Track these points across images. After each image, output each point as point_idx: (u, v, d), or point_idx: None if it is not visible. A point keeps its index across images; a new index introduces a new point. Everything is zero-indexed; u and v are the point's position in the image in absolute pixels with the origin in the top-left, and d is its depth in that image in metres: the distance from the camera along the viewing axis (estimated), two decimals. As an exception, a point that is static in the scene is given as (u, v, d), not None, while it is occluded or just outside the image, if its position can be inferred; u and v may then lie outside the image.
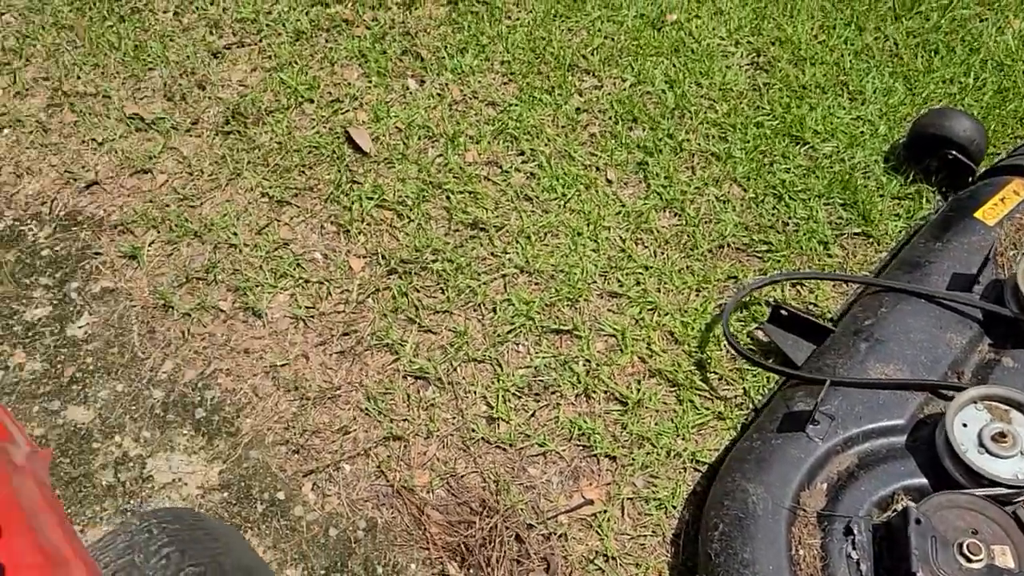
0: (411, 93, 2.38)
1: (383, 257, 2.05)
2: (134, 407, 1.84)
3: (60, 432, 1.81)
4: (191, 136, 2.30)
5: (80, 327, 1.96)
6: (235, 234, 2.09)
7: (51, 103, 2.37)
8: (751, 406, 1.83)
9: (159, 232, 2.11)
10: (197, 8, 2.60)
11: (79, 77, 2.42)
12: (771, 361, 1.85)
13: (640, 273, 2.02)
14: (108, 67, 2.44)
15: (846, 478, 1.54)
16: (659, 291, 2.00)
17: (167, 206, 2.15)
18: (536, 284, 2.01)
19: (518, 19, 2.56)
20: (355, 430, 1.81)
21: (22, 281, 2.03)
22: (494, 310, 1.96)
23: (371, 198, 2.15)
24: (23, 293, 2.01)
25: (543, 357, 1.89)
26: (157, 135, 2.29)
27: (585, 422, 1.80)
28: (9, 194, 2.19)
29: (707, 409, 1.83)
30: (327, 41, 2.52)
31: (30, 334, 1.95)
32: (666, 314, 1.96)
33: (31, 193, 2.20)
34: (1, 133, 2.31)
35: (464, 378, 1.87)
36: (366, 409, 1.83)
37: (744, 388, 1.86)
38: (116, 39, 2.50)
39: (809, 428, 1.56)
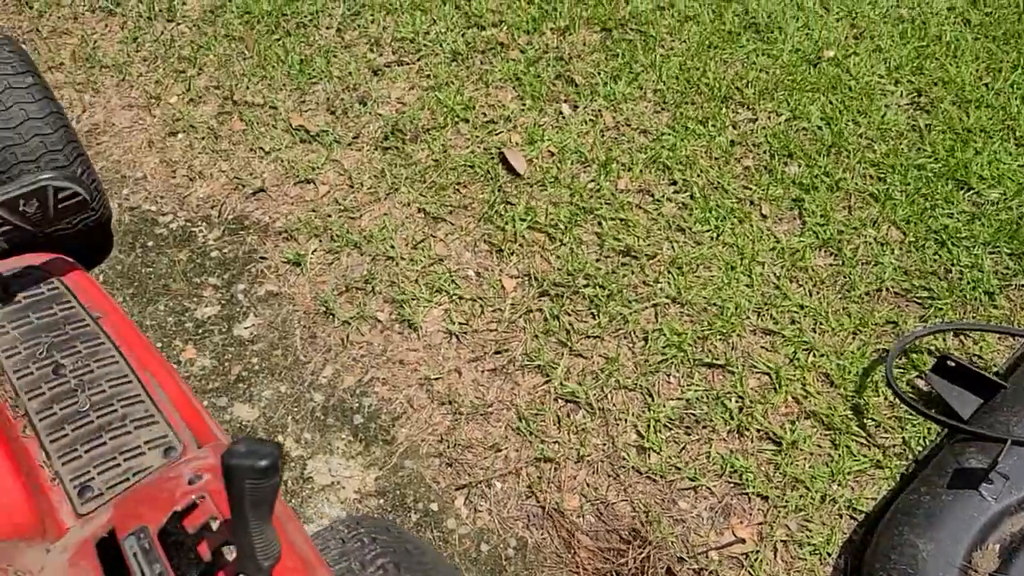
0: (564, 118, 2.44)
1: (535, 279, 2.11)
2: (296, 408, 1.95)
3: (227, 428, 1.92)
4: (352, 150, 2.41)
5: (246, 328, 2.08)
6: (392, 247, 2.18)
7: (221, 111, 2.53)
8: (911, 457, 1.81)
9: (321, 241, 2.22)
10: (359, 26, 2.73)
11: (248, 87, 2.57)
12: (933, 412, 1.82)
13: (795, 312, 2.02)
14: (275, 79, 2.59)
15: (1020, 541, 1.51)
16: (815, 331, 1.99)
17: (328, 216, 2.26)
18: (688, 316, 2.03)
19: (672, 48, 2.60)
20: (506, 448, 1.86)
21: (193, 280, 2.17)
22: (645, 339, 1.99)
23: (524, 219, 2.21)
24: (194, 292, 2.15)
25: (695, 390, 1.91)
26: (320, 147, 2.42)
27: (737, 459, 1.81)
28: (182, 196, 2.35)
29: (864, 456, 1.81)
30: (482, 63, 2.61)
31: (200, 331, 2.08)
32: (822, 355, 1.95)
33: (202, 196, 2.34)
34: (176, 137, 2.47)
35: (615, 405, 1.90)
36: (518, 428, 1.88)
37: (903, 437, 1.83)
38: (283, 52, 2.65)
39: (983, 487, 1.54)
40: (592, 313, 2.05)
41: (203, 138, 2.46)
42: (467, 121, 2.45)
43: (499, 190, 2.29)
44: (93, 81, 2.61)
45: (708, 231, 2.17)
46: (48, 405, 1.40)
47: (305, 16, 2.76)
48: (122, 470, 1.34)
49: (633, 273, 2.10)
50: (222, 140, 2.46)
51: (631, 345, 1.99)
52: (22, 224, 1.41)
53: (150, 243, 2.25)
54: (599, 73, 2.53)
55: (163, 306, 2.11)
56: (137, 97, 2.58)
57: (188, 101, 2.56)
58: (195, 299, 2.13)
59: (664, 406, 1.89)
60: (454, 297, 2.09)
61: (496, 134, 2.41)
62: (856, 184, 2.27)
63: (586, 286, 2.09)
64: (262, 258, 2.21)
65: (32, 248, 1.59)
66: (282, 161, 2.39)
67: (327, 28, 2.74)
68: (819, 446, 1.84)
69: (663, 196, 2.25)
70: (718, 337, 1.99)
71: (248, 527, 0.82)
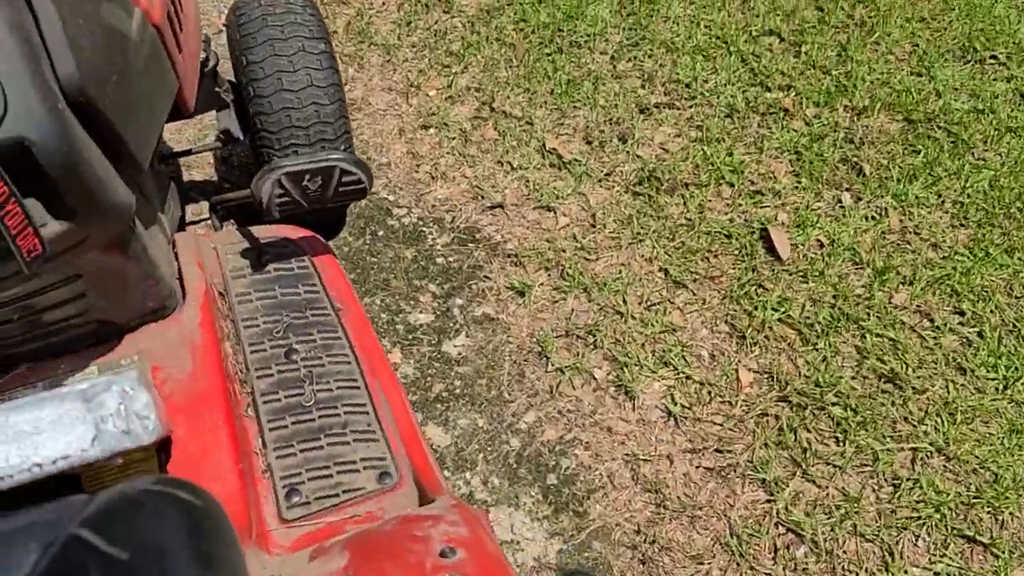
0: (843, 207, 2.23)
1: (776, 380, 1.91)
2: (489, 448, 1.84)
3: (416, 447, 1.84)
4: (601, 187, 2.30)
5: (456, 346, 2.00)
6: (624, 302, 2.05)
7: (477, 115, 2.49)
8: None
9: (550, 275, 2.12)
10: (634, 58, 2.63)
11: (508, 97, 2.52)
12: None
13: (1087, 505, 1.72)
14: (537, 94, 2.53)
15: None
16: (1109, 537, 1.69)
17: (563, 251, 2.16)
18: (953, 474, 1.77)
19: (984, 159, 2.34)
20: (710, 564, 1.68)
21: (413, 282, 2.12)
22: (896, 486, 1.75)
23: (776, 309, 2.02)
24: (412, 294, 2.10)
25: (947, 565, 1.65)
26: (569, 176, 2.33)
27: (985, 664, 1.55)
28: (421, 192, 2.31)
29: None
30: (760, 126, 2.44)
31: (410, 337, 2.02)
32: (1114, 569, 1.65)
33: (440, 197, 2.30)
34: (427, 131, 2.45)
35: (846, 553, 1.68)
36: (727, 545, 1.69)
37: None
38: (551, 69, 2.59)
39: None
40: (837, 438, 1.83)
41: (454, 138, 2.42)
42: (732, 185, 2.29)
43: (754, 270, 2.11)
44: (360, 56, 2.65)
45: (995, 380, 1.90)
46: (274, 389, 1.35)
47: (581, 36, 2.69)
48: (333, 483, 1.26)
49: (894, 405, 1.87)
50: (472, 145, 2.41)
51: (877, 488, 1.76)
52: (299, 198, 1.37)
53: (380, 232, 2.22)
54: (892, 167, 2.31)
55: (379, 301, 2.07)
56: (398, 82, 2.59)
57: (447, 98, 2.54)
58: (412, 302, 2.08)
59: (907, 572, 1.64)
60: (681, 375, 1.93)
61: (762, 207, 2.24)
62: None
63: (835, 404, 1.87)
64: (486, 277, 2.13)
65: (290, 221, 1.56)
66: (527, 181, 2.32)
67: (601, 53, 2.66)
68: None
69: (945, 325, 1.99)
70: (986, 509, 1.72)
71: None
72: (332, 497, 1.24)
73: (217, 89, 1.91)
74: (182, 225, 1.71)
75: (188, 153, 2.02)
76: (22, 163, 0.83)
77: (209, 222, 2.23)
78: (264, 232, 1.57)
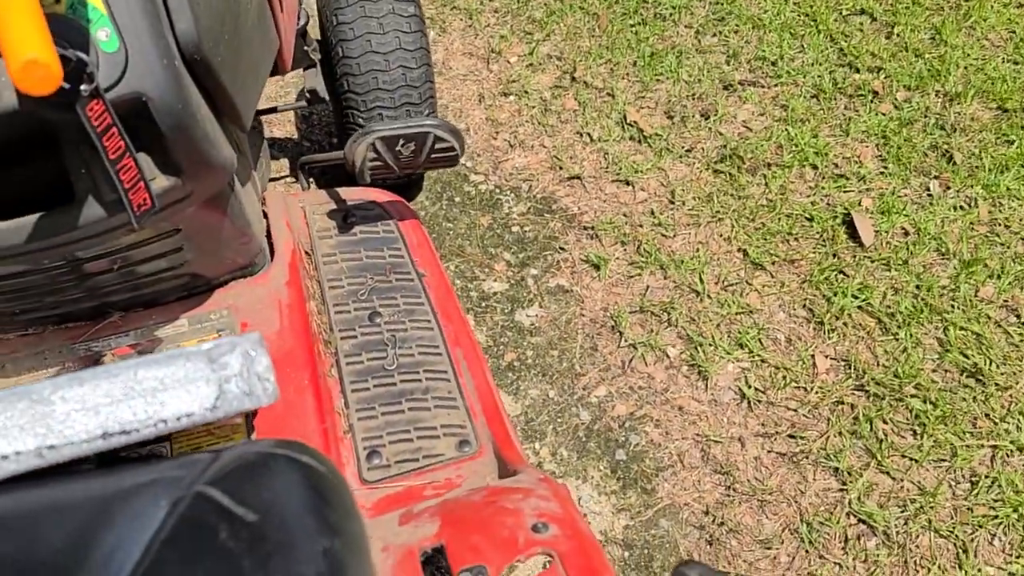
0: (930, 196, 2.14)
1: (854, 368, 1.85)
2: (559, 420, 1.82)
3: (487, 414, 1.83)
4: (682, 163, 2.24)
5: (528, 316, 1.98)
6: (701, 281, 2.00)
7: (558, 84, 2.44)
8: None
9: (626, 250, 2.08)
10: (719, 33, 2.54)
11: (590, 67, 2.46)
12: None
13: None
14: (620, 66, 2.46)
15: None
16: None
17: (640, 227, 2.11)
18: (1035, 475, 1.70)
19: (1083, 152, 2.22)
20: (777, 549, 1.64)
21: (489, 250, 2.10)
22: (974, 483, 1.69)
23: (856, 297, 1.95)
24: (487, 262, 2.07)
25: (1023, 566, 1.59)
26: (649, 150, 2.27)
27: (1060, 671, 1.49)
28: (498, 160, 2.28)
29: None
30: (847, 108, 2.35)
31: (483, 305, 2.00)
32: None
33: (518, 166, 2.27)
34: (507, 99, 2.41)
35: (919, 547, 1.62)
36: (797, 531, 1.65)
37: None
38: (634, 40, 2.52)
39: None
40: (914, 431, 1.76)
41: (533, 107, 2.38)
42: (816, 168, 2.21)
43: (835, 255, 2.04)
44: (442, 19, 2.61)
45: (1083, 382, 1.81)
46: (357, 351, 1.34)
47: (666, 8, 2.61)
48: (413, 448, 1.25)
49: (975, 400, 1.79)
50: (551, 115, 2.37)
51: (954, 484, 1.70)
52: (391, 163, 1.35)
53: (457, 199, 2.20)
54: (984, 156, 2.20)
55: (454, 267, 2.06)
56: (479, 47, 2.55)
57: (528, 65, 2.49)
58: (486, 270, 2.06)
59: (980, 571, 1.59)
60: (756, 357, 1.88)
61: (846, 191, 2.16)
62: None
63: (913, 396, 1.80)
64: (561, 248, 2.09)
65: (377, 184, 1.54)
66: (606, 154, 2.27)
67: (686, 27, 2.58)
68: None
69: (1033, 322, 1.91)
70: (1068, 513, 1.65)
71: None
72: (412, 461, 1.23)
73: (306, 48, 1.89)
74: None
75: (273, 111, 2.02)
76: (137, 119, 0.83)
77: (289, 180, 2.23)
78: (351, 194, 1.55)
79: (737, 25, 2.57)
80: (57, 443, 0.56)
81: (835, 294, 1.96)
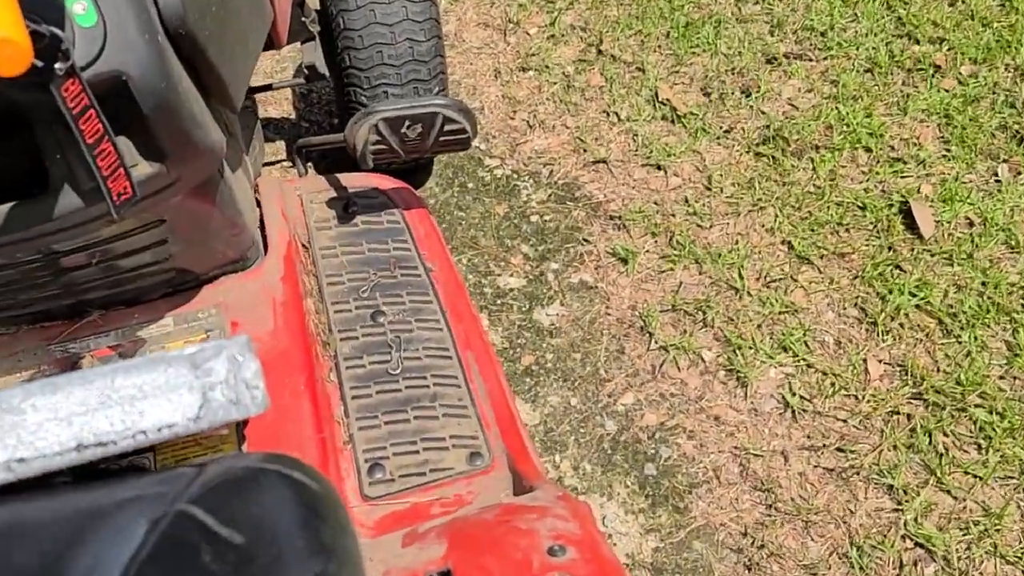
0: (998, 182, 2.12)
1: (911, 374, 1.84)
2: (582, 429, 1.82)
3: (502, 424, 1.84)
4: (719, 145, 2.24)
5: (548, 315, 1.98)
6: (740, 276, 2.00)
7: (582, 59, 2.44)
8: None
9: (657, 242, 2.07)
10: (764, 0, 2.53)
11: (618, 39, 2.46)
12: None
13: None
14: (651, 37, 2.46)
15: None
16: None
17: (672, 216, 2.11)
18: (1114, 495, 1.69)
19: None
20: (824, 575, 1.63)
21: (505, 241, 2.10)
22: (1045, 504, 1.67)
23: (914, 294, 1.94)
24: (503, 255, 2.08)
25: (1101, 598, 1.58)
26: (683, 131, 2.26)
27: None
28: (516, 142, 2.28)
29: None
30: (905, 84, 2.33)
31: (499, 302, 2.00)
32: None
33: (537, 148, 2.27)
34: (526, 74, 2.41)
35: (983, 574, 1.61)
36: (846, 555, 1.65)
37: None
38: (667, 8, 2.51)
39: None
40: (979, 444, 1.75)
41: (555, 83, 2.38)
42: (869, 151, 2.19)
43: (890, 248, 2.02)
44: (454, -12, 2.61)
45: None
46: (359, 353, 1.35)
47: (703, -27, 2.60)
48: (419, 460, 1.26)
49: (1048, 411, 1.78)
50: (574, 92, 2.37)
51: (1023, 504, 1.68)
52: (396, 147, 1.36)
53: (470, 185, 2.20)
54: (1060, 138, 2.18)
55: (467, 260, 2.06)
56: (495, 17, 2.55)
57: (549, 37, 2.49)
58: (502, 263, 2.06)
59: (1052, 602, 1.58)
60: (801, 362, 1.87)
61: (903, 176, 2.14)
62: None
63: (978, 406, 1.79)
64: (585, 240, 2.10)
65: (380, 170, 1.55)
66: (635, 135, 2.26)
67: (725, -7, 2.57)
68: None
69: (1114, 323, 1.88)
70: None
71: None
72: (418, 476, 1.23)
73: (303, 19, 1.90)
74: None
75: (268, 88, 2.03)
76: (117, 99, 0.83)
77: (285, 164, 2.24)
78: (352, 181, 1.56)
79: (782, -9, 2.56)
80: (28, 456, 0.57)
81: (890, 291, 1.95)
